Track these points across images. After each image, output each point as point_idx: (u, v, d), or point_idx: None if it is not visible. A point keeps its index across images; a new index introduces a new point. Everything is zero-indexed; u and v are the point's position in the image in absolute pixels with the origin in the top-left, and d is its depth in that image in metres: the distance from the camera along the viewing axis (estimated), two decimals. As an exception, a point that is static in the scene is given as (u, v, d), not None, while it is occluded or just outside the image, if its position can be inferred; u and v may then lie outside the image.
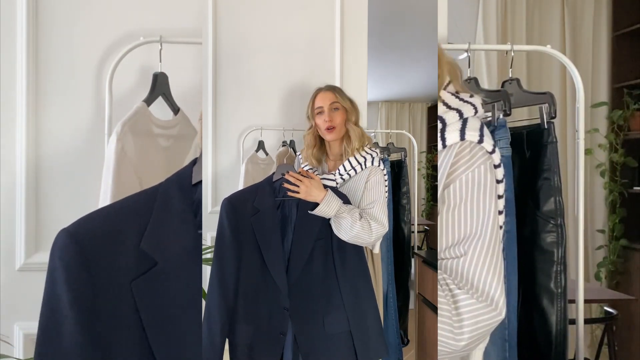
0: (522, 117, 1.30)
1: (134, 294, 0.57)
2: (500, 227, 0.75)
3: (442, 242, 0.66)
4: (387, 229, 1.13)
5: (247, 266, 1.06)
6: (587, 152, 2.35)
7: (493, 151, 0.69)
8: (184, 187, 0.64)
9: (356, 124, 1.24)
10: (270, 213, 1.10)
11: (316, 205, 1.06)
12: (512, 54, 1.26)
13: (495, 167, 0.70)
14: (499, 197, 0.72)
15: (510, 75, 1.27)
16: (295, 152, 1.50)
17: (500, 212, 0.73)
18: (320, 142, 1.27)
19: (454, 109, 0.71)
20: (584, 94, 1.21)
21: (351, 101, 1.23)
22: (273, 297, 1.07)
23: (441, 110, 0.71)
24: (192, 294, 0.62)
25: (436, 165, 0.64)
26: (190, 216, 0.63)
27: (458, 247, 0.65)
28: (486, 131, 0.70)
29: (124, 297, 0.56)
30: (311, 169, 1.26)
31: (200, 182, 0.68)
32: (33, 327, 0.55)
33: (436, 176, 0.65)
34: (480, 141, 0.68)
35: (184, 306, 0.61)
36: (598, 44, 2.47)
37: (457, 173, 0.66)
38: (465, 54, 1.27)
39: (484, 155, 0.67)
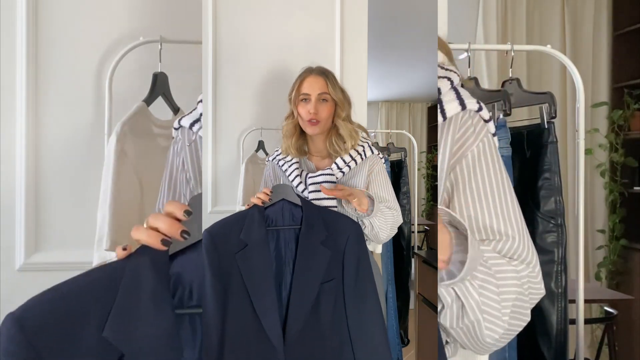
0: (522, 117, 1.30)
1: None
2: None
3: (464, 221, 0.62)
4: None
5: (234, 315, 0.83)
6: (587, 152, 2.35)
7: (489, 119, 0.67)
8: (158, 260, 0.53)
9: (346, 119, 1.10)
10: (260, 248, 0.85)
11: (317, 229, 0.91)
12: (512, 54, 1.26)
13: (492, 135, 0.69)
14: None
15: (510, 75, 1.27)
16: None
17: None
18: (301, 131, 1.13)
19: (443, 77, 0.68)
20: (584, 94, 1.21)
21: (343, 91, 1.10)
22: (266, 353, 0.84)
23: None
24: None
25: (436, 165, 0.62)
26: (166, 295, 0.52)
27: (489, 221, 0.61)
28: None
29: None
30: (296, 162, 1.14)
31: (178, 253, 0.58)
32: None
33: (436, 176, 0.64)
34: (480, 109, 0.66)
35: None
36: (598, 44, 2.47)
37: (466, 146, 0.63)
38: (465, 54, 1.27)
39: (484, 125, 0.65)
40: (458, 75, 0.70)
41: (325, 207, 0.99)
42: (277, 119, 1.50)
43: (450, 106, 0.64)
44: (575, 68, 1.23)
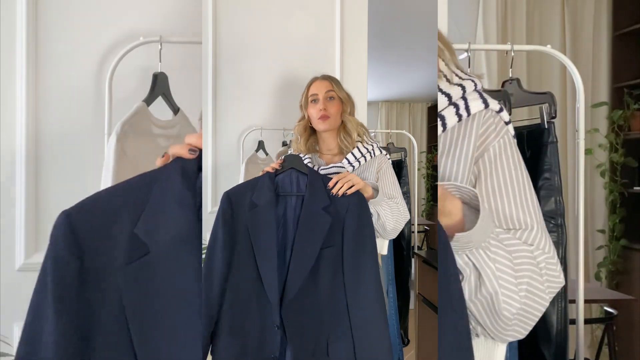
0: (522, 117, 1.30)
1: (119, 284, 0.53)
2: None
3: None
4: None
5: (238, 270, 0.90)
6: (587, 152, 2.35)
7: (509, 122, 0.69)
8: (188, 170, 0.60)
9: (351, 115, 1.20)
10: (267, 210, 0.93)
11: (327, 203, 0.95)
12: (512, 54, 1.26)
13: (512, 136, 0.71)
14: None
15: (510, 75, 1.27)
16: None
17: None
18: (311, 132, 1.22)
19: (467, 79, 0.71)
20: (584, 94, 1.21)
21: (347, 93, 1.20)
22: (264, 310, 0.89)
23: (456, 79, 0.71)
24: (186, 290, 0.56)
25: (436, 165, 0.63)
26: (191, 201, 0.58)
27: (510, 213, 0.63)
28: None
29: (111, 285, 0.53)
30: (309, 158, 1.21)
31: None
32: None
33: (436, 176, 0.64)
34: (501, 110, 0.68)
35: (175, 304, 0.55)
36: (598, 44, 2.47)
37: (488, 141, 0.66)
38: (465, 54, 1.27)
39: (504, 126, 0.68)
40: (479, 82, 0.74)
41: (328, 176, 1.04)
42: (277, 119, 1.50)
43: (475, 104, 0.67)
44: (575, 68, 1.23)
